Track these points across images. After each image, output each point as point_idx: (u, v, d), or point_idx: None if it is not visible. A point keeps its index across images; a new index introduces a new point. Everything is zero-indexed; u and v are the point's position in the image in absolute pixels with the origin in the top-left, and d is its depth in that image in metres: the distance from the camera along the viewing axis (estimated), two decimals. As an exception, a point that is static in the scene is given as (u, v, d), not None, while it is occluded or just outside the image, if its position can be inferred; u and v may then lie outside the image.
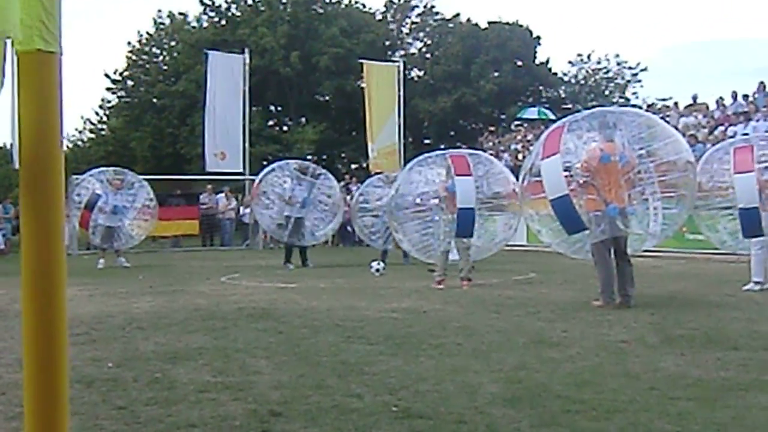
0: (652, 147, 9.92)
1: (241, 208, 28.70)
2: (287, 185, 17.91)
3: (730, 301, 10.02)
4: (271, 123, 44.45)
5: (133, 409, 4.89)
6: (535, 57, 45.86)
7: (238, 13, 43.89)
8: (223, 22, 44.16)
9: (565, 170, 9.57)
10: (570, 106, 45.93)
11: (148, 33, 47.26)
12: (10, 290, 11.65)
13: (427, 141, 44.15)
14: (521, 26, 45.48)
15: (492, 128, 38.41)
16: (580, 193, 9.53)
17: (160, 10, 47.67)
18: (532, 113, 35.00)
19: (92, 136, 49.87)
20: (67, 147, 45.10)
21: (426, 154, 14.58)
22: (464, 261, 12.61)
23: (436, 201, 13.22)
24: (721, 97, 23.49)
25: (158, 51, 47.91)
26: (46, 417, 2.25)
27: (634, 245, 10.05)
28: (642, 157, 9.85)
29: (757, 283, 11.03)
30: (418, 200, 13.86)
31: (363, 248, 19.41)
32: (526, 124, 34.16)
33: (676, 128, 14.63)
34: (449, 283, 12.35)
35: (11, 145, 26.28)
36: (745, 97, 22.90)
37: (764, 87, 22.73)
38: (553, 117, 33.91)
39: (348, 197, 27.80)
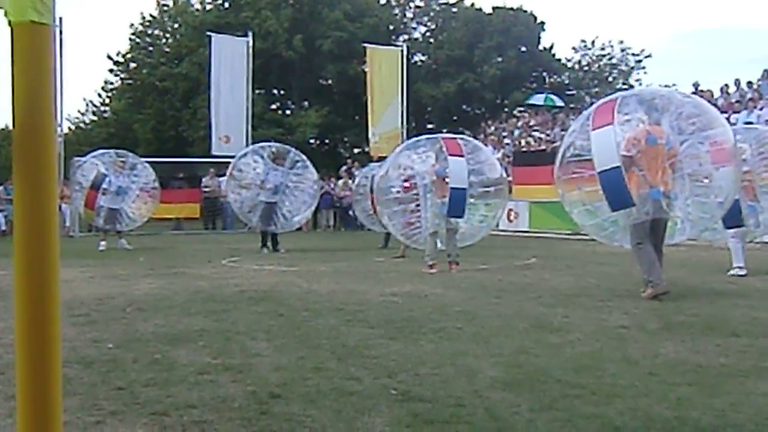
0: (703, 134, 9.43)
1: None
2: (260, 169, 17.83)
3: (730, 288, 10.01)
4: (273, 106, 44.46)
5: (132, 390, 4.89)
6: (539, 43, 45.79)
7: (242, -4, 43.81)
8: (227, 4, 44.11)
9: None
10: (574, 92, 45.91)
11: (151, 15, 47.24)
12: (12, 271, 11.65)
13: (430, 126, 44.10)
14: (525, 12, 45.41)
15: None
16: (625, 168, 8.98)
17: (163, -8, 47.55)
18: (538, 99, 34.92)
19: (94, 118, 49.90)
20: (69, 129, 45.15)
21: (415, 138, 14.59)
22: (451, 245, 12.62)
23: (424, 183, 13.22)
24: (726, 85, 23.42)
25: (161, 33, 47.86)
26: (39, 397, 2.24)
27: (677, 236, 9.71)
28: (689, 143, 9.39)
29: (740, 267, 11.40)
30: (405, 184, 13.84)
31: (365, 233, 19.41)
32: (529, 110, 34.09)
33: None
34: (447, 267, 12.38)
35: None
36: (750, 84, 22.83)
37: (768, 75, 22.68)
38: (560, 104, 33.88)
39: (350, 181, 27.87)
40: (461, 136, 15.21)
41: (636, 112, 9.55)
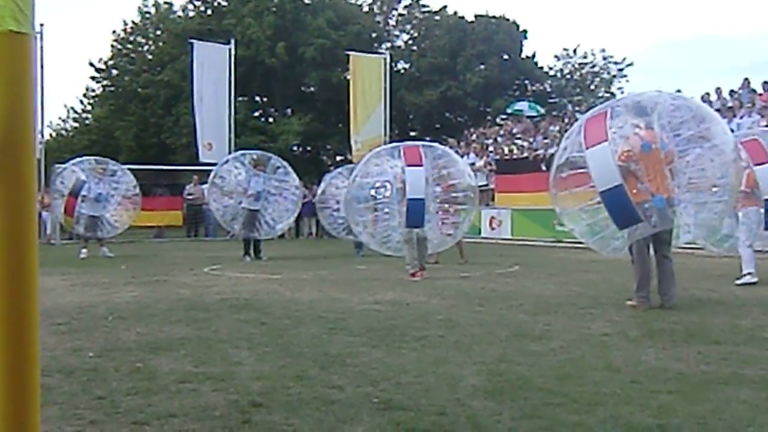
0: (694, 133, 9.14)
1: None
2: (242, 176, 17.82)
3: (712, 296, 10.05)
4: (256, 114, 44.38)
5: (113, 399, 4.86)
6: (521, 51, 45.96)
7: (224, 3, 43.75)
8: (209, 11, 44.03)
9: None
10: (556, 100, 46.09)
11: (133, 22, 47.07)
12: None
13: (413, 133, 44.17)
14: (508, 20, 45.54)
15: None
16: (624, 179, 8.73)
17: (145, -1, 47.45)
18: (522, 106, 35.00)
19: (76, 125, 49.69)
20: (50, 136, 45.02)
21: (382, 146, 14.65)
22: (420, 252, 12.66)
23: (390, 192, 13.28)
24: (706, 93, 23.54)
25: (143, 40, 47.70)
26: (17, 407, 2.23)
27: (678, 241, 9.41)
28: (685, 144, 9.08)
29: (751, 274, 11.15)
30: (373, 192, 13.86)
31: (348, 241, 19.35)
32: (511, 118, 34.17)
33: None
34: (430, 275, 12.40)
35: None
36: (732, 93, 22.96)
37: (748, 83, 22.82)
38: (543, 112, 34.00)
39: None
40: (428, 143, 15.20)
41: (628, 120, 9.25)
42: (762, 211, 11.17)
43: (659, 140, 8.84)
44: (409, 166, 12.53)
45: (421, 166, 12.57)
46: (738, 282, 11.13)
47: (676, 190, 8.84)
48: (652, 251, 9.05)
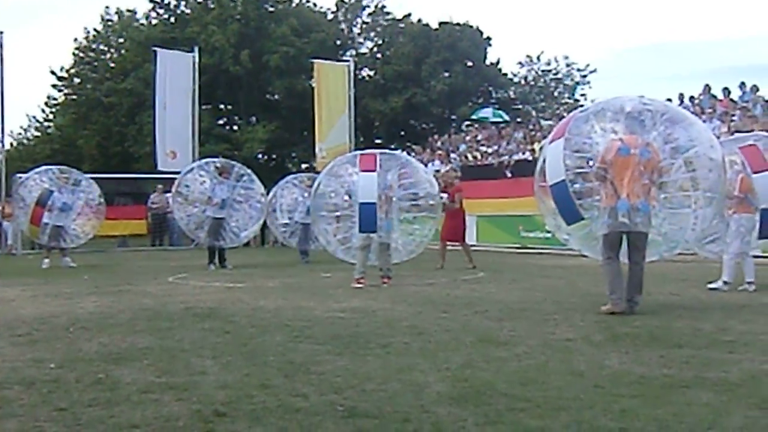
0: (680, 143, 9.23)
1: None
2: (206, 185, 17.75)
3: (675, 300, 10.15)
4: (221, 122, 44.20)
5: (74, 411, 4.80)
6: (485, 58, 46.17)
7: (188, 11, 43.57)
8: (173, 19, 43.81)
9: (587, 162, 9.18)
10: (520, 106, 46.35)
11: (95, 30, 46.77)
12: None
13: (378, 141, 44.19)
14: (471, 27, 45.76)
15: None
16: (597, 187, 9.00)
17: (107, 7, 47.32)
18: (486, 113, 35.14)
19: (38, 134, 49.24)
20: (11, 145, 44.59)
21: (344, 155, 14.74)
22: (383, 259, 12.70)
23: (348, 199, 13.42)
24: (668, 99, 23.73)
25: (106, 48, 47.41)
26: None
27: (651, 251, 9.28)
28: (666, 152, 9.13)
29: (726, 283, 11.06)
30: (336, 200, 13.91)
31: (313, 249, 19.26)
32: (476, 125, 34.29)
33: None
34: (396, 282, 12.42)
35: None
36: (692, 99, 23.19)
37: (709, 89, 23.06)
38: (507, 118, 34.18)
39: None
40: (388, 151, 15.37)
41: (611, 123, 9.28)
42: (756, 218, 11.01)
43: (639, 146, 8.83)
44: (362, 171, 12.57)
45: (374, 171, 12.59)
46: (711, 286, 11.14)
47: (641, 197, 8.74)
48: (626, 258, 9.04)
